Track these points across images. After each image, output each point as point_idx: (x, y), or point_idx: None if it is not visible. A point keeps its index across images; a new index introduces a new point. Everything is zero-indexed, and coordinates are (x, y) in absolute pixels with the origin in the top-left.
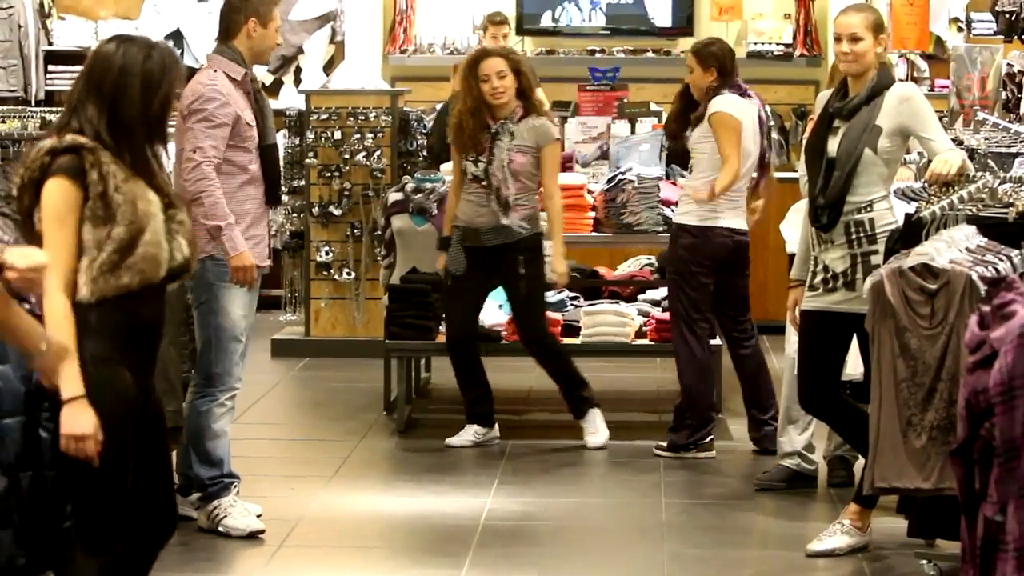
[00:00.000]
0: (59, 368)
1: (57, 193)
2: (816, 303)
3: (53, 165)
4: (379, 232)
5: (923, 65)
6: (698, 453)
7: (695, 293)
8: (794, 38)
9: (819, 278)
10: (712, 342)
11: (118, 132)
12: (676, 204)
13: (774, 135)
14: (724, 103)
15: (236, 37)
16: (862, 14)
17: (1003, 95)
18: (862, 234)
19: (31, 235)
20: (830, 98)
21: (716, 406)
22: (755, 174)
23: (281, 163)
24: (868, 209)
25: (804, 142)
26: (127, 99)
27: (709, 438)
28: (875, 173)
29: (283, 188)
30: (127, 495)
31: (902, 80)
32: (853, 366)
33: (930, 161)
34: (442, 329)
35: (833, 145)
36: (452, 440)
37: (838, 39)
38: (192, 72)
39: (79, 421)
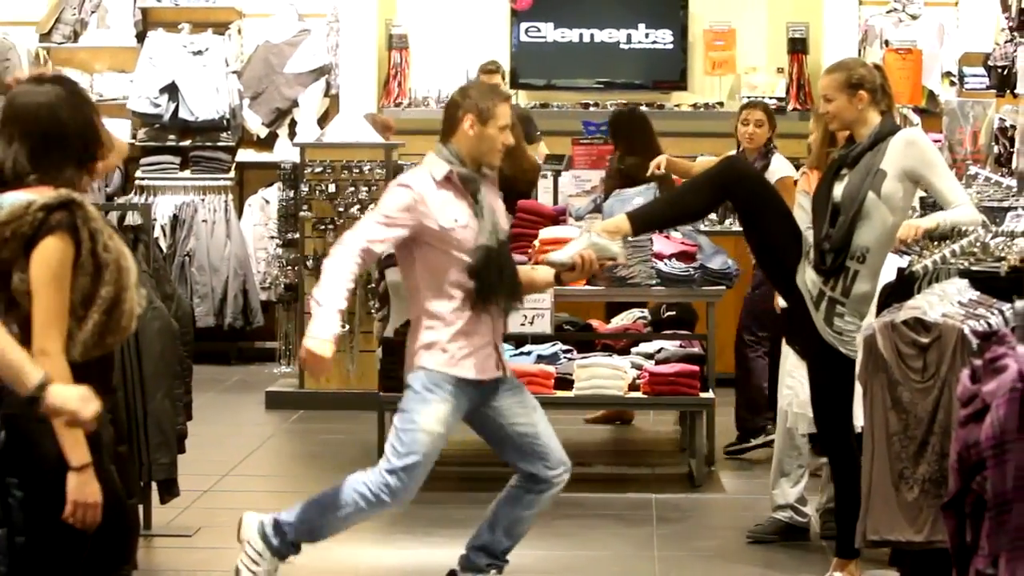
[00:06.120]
0: (64, 434)
1: (57, 252)
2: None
3: (50, 221)
4: (373, 285)
5: (916, 119)
6: None
7: None
8: (787, 92)
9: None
10: None
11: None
12: (669, 258)
13: None
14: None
15: (455, 135)
16: (832, 75)
17: (995, 149)
18: (840, 282)
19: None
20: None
21: None
22: None
23: (502, 263)
24: (861, 260)
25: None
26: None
27: None
28: (878, 220)
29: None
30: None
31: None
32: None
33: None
34: None
35: (838, 191)
36: None
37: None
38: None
39: (90, 489)
